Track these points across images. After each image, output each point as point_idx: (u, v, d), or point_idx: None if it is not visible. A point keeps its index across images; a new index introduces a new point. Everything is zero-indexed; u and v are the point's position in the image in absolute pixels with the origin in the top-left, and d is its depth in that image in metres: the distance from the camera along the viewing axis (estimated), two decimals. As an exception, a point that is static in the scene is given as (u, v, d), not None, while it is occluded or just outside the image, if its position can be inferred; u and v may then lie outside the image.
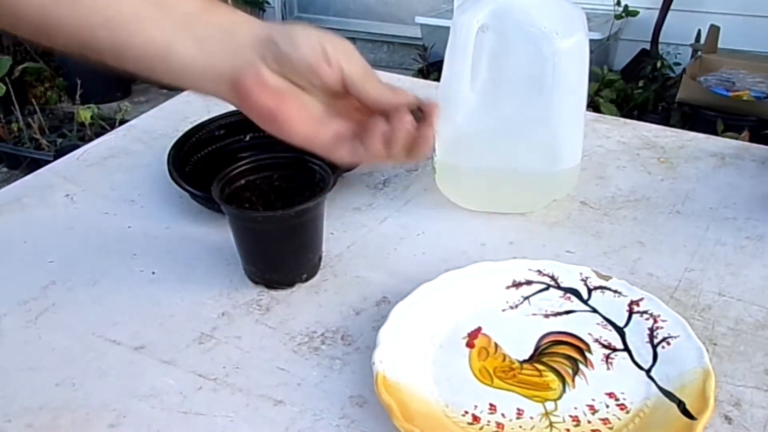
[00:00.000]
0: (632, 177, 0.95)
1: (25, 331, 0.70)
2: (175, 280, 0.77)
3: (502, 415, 0.59)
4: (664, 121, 2.57)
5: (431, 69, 3.05)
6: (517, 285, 0.72)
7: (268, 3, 3.90)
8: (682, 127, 1.22)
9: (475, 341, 0.66)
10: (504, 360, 0.65)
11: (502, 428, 0.58)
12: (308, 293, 0.74)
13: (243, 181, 0.76)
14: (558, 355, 0.65)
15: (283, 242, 0.73)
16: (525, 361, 0.65)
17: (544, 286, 0.72)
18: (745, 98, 2.57)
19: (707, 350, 0.62)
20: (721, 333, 0.68)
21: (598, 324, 0.68)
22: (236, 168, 0.76)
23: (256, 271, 0.75)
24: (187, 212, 0.87)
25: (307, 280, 0.76)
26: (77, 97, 3.14)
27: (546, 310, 0.70)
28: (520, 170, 0.84)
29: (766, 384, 0.63)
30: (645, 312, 0.68)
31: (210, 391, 0.63)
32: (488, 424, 0.58)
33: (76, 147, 1.05)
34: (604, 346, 0.66)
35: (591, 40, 0.82)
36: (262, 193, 0.76)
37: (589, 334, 0.67)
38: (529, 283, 0.72)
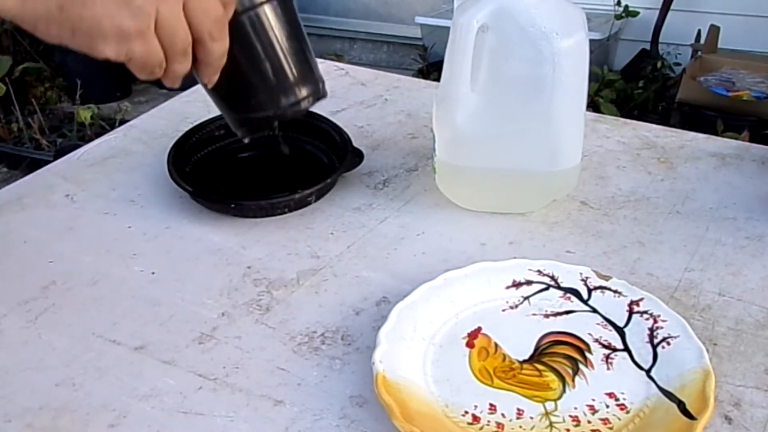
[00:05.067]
0: (632, 177, 0.95)
1: (25, 331, 0.70)
2: (175, 280, 0.77)
3: (502, 415, 0.59)
4: (664, 121, 2.57)
5: (431, 69, 3.05)
6: (517, 285, 0.72)
7: (268, 3, 3.89)
8: (682, 127, 1.22)
9: (475, 341, 0.66)
10: (504, 360, 0.65)
11: (502, 428, 0.58)
12: (308, 293, 0.74)
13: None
14: (558, 355, 0.65)
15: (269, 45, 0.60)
16: (525, 361, 0.65)
17: (544, 286, 0.72)
18: (745, 98, 2.57)
19: (707, 350, 0.62)
20: (721, 333, 0.68)
21: (598, 324, 0.68)
22: None
23: (246, 105, 0.63)
24: (187, 212, 0.87)
25: (315, 100, 0.64)
26: (77, 97, 3.14)
27: (546, 310, 0.70)
28: (520, 170, 0.84)
29: (766, 384, 0.63)
30: (645, 312, 0.68)
31: (210, 391, 0.63)
32: (488, 424, 0.58)
33: (76, 147, 1.05)
34: (604, 346, 0.66)
35: (591, 40, 0.82)
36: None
37: (589, 334, 0.67)
38: (529, 283, 0.72)
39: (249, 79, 0.62)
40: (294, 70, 0.63)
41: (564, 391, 0.62)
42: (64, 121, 3.15)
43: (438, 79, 0.87)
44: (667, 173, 0.95)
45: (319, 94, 0.64)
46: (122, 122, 1.98)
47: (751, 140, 1.97)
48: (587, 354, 0.65)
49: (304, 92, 0.63)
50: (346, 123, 0.98)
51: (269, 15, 0.60)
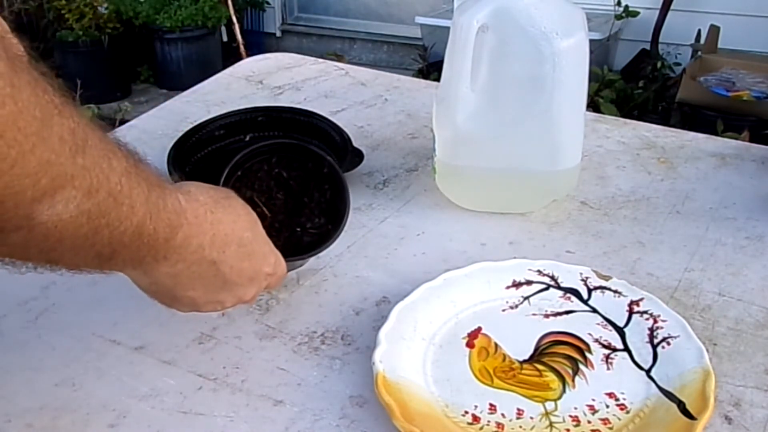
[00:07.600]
0: (632, 177, 0.95)
1: (25, 331, 0.70)
2: (175, 280, 0.76)
3: (502, 415, 0.59)
4: (664, 121, 2.57)
5: (431, 69, 3.05)
6: (517, 285, 0.72)
7: (268, 3, 3.90)
8: (682, 127, 1.22)
9: (475, 341, 0.66)
10: (504, 360, 0.65)
11: (502, 428, 0.58)
12: (308, 293, 0.74)
13: (239, 172, 0.69)
14: (558, 355, 0.65)
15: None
16: (525, 361, 0.65)
17: (544, 286, 0.72)
18: (745, 98, 2.57)
19: (707, 350, 0.63)
20: (721, 333, 0.68)
21: (598, 324, 0.68)
22: (231, 162, 0.68)
23: None
24: (187, 212, 0.86)
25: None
26: (77, 97, 3.13)
27: (546, 310, 0.70)
28: (520, 170, 0.84)
29: (766, 384, 0.63)
30: (645, 312, 0.68)
31: (210, 391, 0.63)
32: (488, 424, 0.58)
33: (76, 147, 1.04)
34: (604, 346, 0.66)
35: (591, 40, 0.82)
36: (262, 187, 0.70)
37: (589, 334, 0.67)
38: (529, 283, 0.72)
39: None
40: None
41: (564, 391, 0.62)
42: (65, 121, 3.14)
43: (438, 79, 0.87)
44: (667, 173, 0.95)
45: None
46: (122, 122, 1.98)
47: (751, 140, 1.97)
48: (587, 354, 0.65)
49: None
50: (346, 123, 0.98)
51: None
